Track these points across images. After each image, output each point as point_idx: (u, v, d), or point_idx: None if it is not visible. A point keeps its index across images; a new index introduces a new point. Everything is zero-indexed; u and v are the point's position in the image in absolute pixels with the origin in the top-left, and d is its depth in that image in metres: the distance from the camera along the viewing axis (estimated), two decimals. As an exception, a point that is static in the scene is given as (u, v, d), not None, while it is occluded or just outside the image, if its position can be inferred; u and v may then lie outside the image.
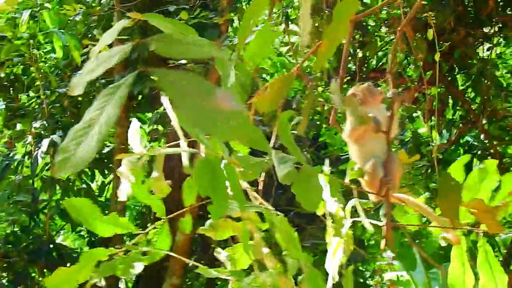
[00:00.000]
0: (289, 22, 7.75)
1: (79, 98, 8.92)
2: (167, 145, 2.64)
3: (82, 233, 10.70)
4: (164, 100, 2.61)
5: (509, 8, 8.01)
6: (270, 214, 2.48)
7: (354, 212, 3.14)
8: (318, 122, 8.43)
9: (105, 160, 9.23)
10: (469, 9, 7.93)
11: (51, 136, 8.24)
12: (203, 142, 2.10)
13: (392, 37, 7.87)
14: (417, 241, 8.07)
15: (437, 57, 6.27)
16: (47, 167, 8.92)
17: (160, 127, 8.95)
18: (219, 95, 1.52)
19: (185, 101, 1.50)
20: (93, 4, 8.84)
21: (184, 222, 2.72)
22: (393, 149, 4.16)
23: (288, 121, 2.38)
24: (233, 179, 2.21)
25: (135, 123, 2.72)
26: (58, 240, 10.51)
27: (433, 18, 7.37)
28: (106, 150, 9.13)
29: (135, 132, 2.65)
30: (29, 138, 8.65)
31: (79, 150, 1.50)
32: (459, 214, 2.73)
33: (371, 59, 8.49)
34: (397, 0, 6.77)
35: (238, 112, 1.52)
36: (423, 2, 7.70)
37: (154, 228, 2.64)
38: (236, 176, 2.22)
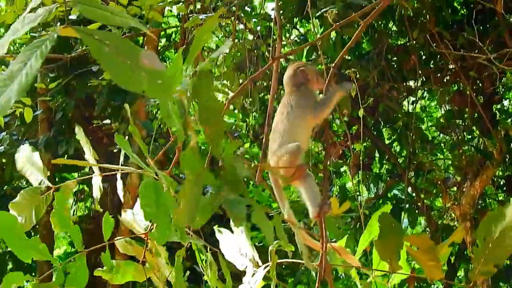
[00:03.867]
0: (213, 79, 7.71)
1: (3, 160, 8.73)
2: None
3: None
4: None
5: (432, 62, 8.14)
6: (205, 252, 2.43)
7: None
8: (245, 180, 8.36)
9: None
10: (392, 63, 8.04)
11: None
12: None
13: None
14: None
15: (360, 113, 6.30)
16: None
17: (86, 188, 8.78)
18: (145, 54, 1.60)
19: (111, 59, 1.58)
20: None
21: (104, 257, 2.57)
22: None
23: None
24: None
25: (25, 148, 2.61)
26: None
27: (357, 73, 7.45)
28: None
29: (30, 160, 2.54)
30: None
31: (1, 98, 1.50)
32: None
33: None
34: (320, 57, 6.86)
35: (163, 71, 1.61)
36: (347, 57, 7.80)
37: (70, 261, 2.46)
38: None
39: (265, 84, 7.67)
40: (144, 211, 2.18)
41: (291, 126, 3.56)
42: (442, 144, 8.92)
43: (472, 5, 7.79)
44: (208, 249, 2.72)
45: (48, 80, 8.01)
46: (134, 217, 2.73)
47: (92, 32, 1.60)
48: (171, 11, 9.01)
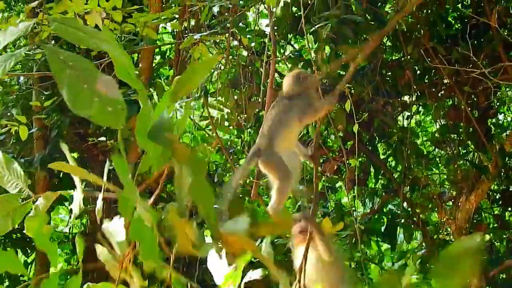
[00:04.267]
0: (208, 96, 7.73)
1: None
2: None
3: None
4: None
5: (426, 77, 8.16)
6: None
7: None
8: (240, 195, 8.35)
9: (27, 239, 8.93)
10: (387, 78, 8.06)
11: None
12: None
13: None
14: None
15: (355, 128, 6.32)
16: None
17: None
18: (103, 80, 1.61)
19: (68, 80, 1.59)
20: (12, 83, 8.70)
21: (72, 282, 2.47)
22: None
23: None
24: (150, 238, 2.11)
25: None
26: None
27: (351, 88, 7.47)
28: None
29: (8, 166, 2.49)
30: None
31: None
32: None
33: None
34: (314, 72, 6.87)
35: (117, 100, 1.61)
36: (341, 73, 7.82)
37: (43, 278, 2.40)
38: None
39: (259, 100, 7.68)
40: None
41: (279, 126, 3.75)
42: (437, 159, 8.91)
43: (466, 20, 7.82)
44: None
45: (43, 98, 8.01)
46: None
47: (58, 51, 1.61)
48: (165, 28, 9.04)
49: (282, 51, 8.09)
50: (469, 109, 7.91)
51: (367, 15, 7.25)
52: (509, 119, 8.82)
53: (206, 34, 5.83)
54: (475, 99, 8.18)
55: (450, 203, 8.21)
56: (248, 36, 7.52)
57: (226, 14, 7.25)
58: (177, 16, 7.56)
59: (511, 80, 7.63)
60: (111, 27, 6.09)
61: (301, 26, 7.01)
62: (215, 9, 6.82)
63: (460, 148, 8.14)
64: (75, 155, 8.52)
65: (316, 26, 6.52)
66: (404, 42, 7.54)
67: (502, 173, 8.16)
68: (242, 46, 7.79)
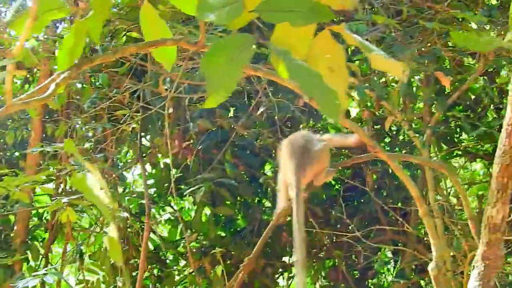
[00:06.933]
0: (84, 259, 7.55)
1: None
2: None
3: None
4: None
5: (309, 237, 8.22)
6: None
7: None
8: None
9: None
10: (268, 240, 8.08)
11: None
12: None
13: (191, 270, 7.79)
14: None
15: (233, 291, 6.24)
16: None
17: None
18: None
19: None
20: None
21: None
22: None
23: None
24: None
25: None
26: None
27: (232, 251, 7.48)
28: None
29: None
30: None
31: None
32: None
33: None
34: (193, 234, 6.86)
35: None
36: (222, 234, 7.83)
37: None
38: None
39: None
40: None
41: None
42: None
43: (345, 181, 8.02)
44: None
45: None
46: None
47: None
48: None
49: (161, 212, 8.09)
50: (349, 269, 8.00)
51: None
52: (389, 278, 8.90)
53: (74, 198, 5.75)
54: (355, 260, 8.28)
55: None
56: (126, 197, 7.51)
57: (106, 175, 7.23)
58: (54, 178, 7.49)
59: (386, 243, 7.83)
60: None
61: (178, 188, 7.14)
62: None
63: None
64: None
65: (190, 189, 6.59)
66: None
67: None
68: (120, 208, 7.72)
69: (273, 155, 7.46)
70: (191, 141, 6.84)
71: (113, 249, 2.31)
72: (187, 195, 7.21)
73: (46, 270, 5.20)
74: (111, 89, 6.74)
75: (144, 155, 7.37)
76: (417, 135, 6.49)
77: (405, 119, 5.97)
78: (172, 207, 7.99)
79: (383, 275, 9.01)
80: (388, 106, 5.78)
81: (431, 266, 3.79)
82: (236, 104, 7.08)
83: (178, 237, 7.95)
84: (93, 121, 7.13)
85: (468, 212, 4.00)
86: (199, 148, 6.86)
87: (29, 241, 7.73)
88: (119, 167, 7.55)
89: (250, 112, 6.57)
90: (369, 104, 6.99)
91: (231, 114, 7.12)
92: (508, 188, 3.29)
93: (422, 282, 8.07)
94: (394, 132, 8.03)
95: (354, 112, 8.34)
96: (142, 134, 7.27)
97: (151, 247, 7.93)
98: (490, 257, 3.40)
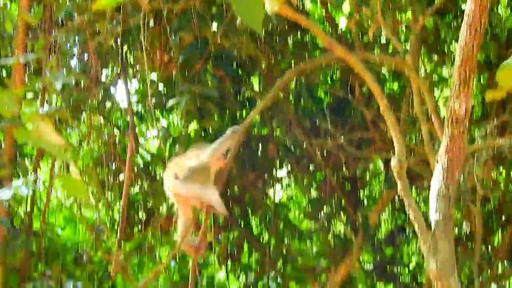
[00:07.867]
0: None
1: None
2: None
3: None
4: None
5: (298, 150, 8.22)
6: None
7: None
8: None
9: None
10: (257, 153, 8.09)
11: None
12: None
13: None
14: None
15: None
16: None
17: None
18: None
19: None
20: None
21: None
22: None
23: None
24: None
25: None
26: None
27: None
28: None
29: None
30: None
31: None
32: None
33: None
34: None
35: None
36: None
37: None
38: None
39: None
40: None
41: None
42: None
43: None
44: None
45: None
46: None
47: None
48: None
49: (150, 127, 8.07)
50: (341, 180, 8.05)
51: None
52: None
53: (57, 109, 5.71)
54: (346, 171, 8.30)
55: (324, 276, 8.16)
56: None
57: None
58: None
59: (377, 151, 7.83)
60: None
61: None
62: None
63: (331, 220, 8.17)
64: None
65: (175, 100, 6.52)
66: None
67: (375, 244, 8.21)
68: (108, 124, 7.73)
69: (256, 66, 7.43)
70: (172, 54, 6.73)
71: (76, 189, 2.33)
72: (175, 108, 7.14)
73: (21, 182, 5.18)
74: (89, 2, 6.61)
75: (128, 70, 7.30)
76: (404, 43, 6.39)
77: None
78: (158, 120, 7.94)
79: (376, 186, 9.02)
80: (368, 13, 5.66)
81: (393, 162, 3.71)
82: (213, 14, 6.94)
83: (167, 153, 7.95)
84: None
85: (430, 105, 3.95)
86: (181, 61, 6.75)
87: (17, 158, 7.74)
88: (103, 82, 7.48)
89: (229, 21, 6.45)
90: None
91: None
92: (470, 80, 3.24)
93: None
94: (383, 44, 7.90)
95: (342, 23, 8.23)
96: (125, 49, 7.17)
97: (141, 163, 7.97)
98: (454, 150, 3.37)
